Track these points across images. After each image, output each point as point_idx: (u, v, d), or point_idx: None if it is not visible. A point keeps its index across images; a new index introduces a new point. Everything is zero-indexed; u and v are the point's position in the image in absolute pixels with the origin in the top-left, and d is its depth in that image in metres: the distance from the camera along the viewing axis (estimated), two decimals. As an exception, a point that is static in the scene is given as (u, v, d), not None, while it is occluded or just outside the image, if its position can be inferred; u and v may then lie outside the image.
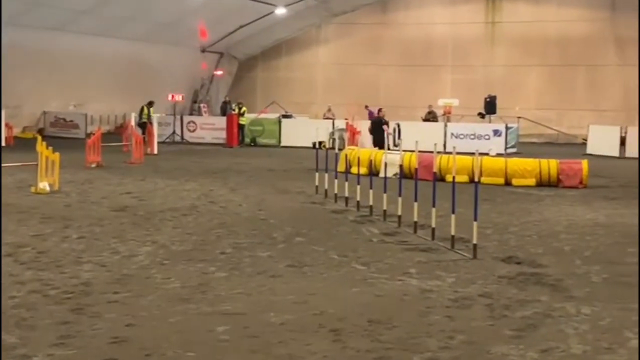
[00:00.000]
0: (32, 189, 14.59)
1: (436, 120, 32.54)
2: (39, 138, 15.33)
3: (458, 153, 11.42)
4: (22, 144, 26.20)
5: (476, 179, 9.85)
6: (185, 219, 11.94)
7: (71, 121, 33.16)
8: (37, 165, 14.63)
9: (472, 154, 12.73)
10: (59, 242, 9.85)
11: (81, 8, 30.87)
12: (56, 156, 15.05)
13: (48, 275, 8.00)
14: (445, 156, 18.45)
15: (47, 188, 14.66)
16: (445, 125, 29.78)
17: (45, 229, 10.74)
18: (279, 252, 9.51)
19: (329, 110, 35.37)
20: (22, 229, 10.71)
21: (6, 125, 27.74)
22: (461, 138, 28.44)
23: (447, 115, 32.50)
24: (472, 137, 28.82)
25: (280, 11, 38.76)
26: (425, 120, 32.81)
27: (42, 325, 6.22)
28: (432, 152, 11.89)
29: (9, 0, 27.93)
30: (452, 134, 28.96)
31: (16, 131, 29.16)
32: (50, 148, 14.97)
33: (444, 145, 26.95)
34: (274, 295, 7.42)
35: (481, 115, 32.99)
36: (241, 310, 6.82)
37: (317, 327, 6.33)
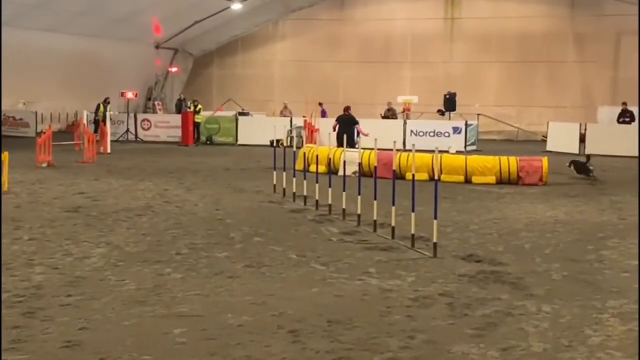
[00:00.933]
0: (-20, 190, 14.34)
1: (395, 118, 32.75)
2: (-14, 137, 15.06)
3: (417, 151, 11.52)
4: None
5: (436, 177, 9.94)
6: (140, 220, 11.84)
7: (21, 119, 32.62)
8: (-16, 165, 14.37)
9: (432, 151, 12.84)
10: (9, 244, 9.69)
11: (32, 2, 30.37)
12: (5, 155, 14.79)
13: (-3, 278, 7.87)
14: (404, 154, 18.58)
15: (-5, 188, 14.40)
16: (405, 123, 29.98)
17: (-7, 230, 10.56)
18: (237, 253, 9.49)
19: (285, 107, 35.30)
20: (-31, 231, 10.51)
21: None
22: (421, 135, 28.68)
23: (407, 113, 32.71)
24: (431, 134, 29.07)
25: (237, 6, 38.61)
26: (385, 117, 32.98)
27: (-9, 331, 6.13)
28: (391, 149, 11.97)
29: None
30: (412, 131, 29.15)
31: None
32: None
33: (404, 143, 27.17)
34: (232, 296, 7.41)
35: (441, 112, 33.29)
36: (198, 312, 6.80)
37: (276, 328, 6.33)
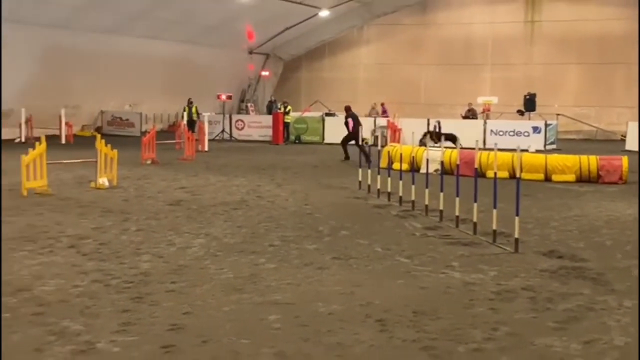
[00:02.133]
0: (92, 185, 14.87)
1: (476, 118, 32.24)
2: (98, 136, 15.60)
3: (499, 150, 11.30)
4: (81, 142, 26.70)
5: (517, 175, 9.74)
6: (236, 213, 12.05)
7: (127, 120, 33.64)
8: (96, 162, 14.89)
9: (513, 150, 12.59)
10: (119, 234, 10.03)
11: (134, 12, 31.28)
12: (114, 153, 15.31)
13: (109, 265, 8.16)
14: (485, 153, 18.27)
15: (106, 183, 14.92)
16: (485, 123, 29.46)
17: (105, 222, 10.94)
18: (325, 245, 9.54)
19: (373, 108, 35.23)
20: (83, 222, 10.93)
21: (66, 124, 28.29)
22: (500, 135, 28.11)
23: (487, 113, 32.17)
24: (511, 134, 28.46)
25: (324, 13, 38.77)
26: (465, 117, 32.52)
27: (104, 313, 6.35)
28: (472, 148, 11.80)
29: (68, 5, 28.46)
30: (492, 130, 28.62)
31: (75, 129, 29.65)
32: (109, 145, 15.21)
33: (484, 142, 26.73)
34: (322, 286, 7.45)
35: (520, 113, 32.59)
36: (291, 300, 6.87)
37: (364, 317, 6.34)
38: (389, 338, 5.81)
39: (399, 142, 25.43)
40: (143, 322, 6.11)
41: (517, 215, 9.21)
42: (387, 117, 32.07)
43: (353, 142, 22.37)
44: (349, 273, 8.04)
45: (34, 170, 13.71)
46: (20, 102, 28.10)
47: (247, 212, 12.23)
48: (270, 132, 30.95)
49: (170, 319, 6.21)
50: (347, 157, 22.32)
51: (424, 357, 5.39)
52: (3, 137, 26.91)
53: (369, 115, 33.50)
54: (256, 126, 32.54)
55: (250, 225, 10.90)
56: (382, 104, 35.51)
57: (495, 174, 10.36)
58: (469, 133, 23.77)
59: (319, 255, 8.90)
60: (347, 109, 23.39)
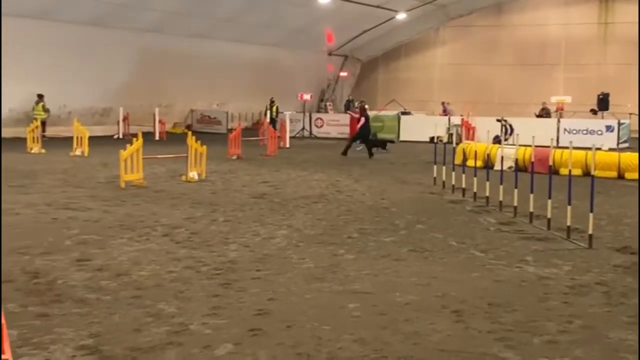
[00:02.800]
0: (183, 178, 15.21)
1: (549, 117, 31.42)
2: (189, 133, 15.94)
3: (573, 148, 10.96)
4: (173, 139, 27.35)
5: (591, 172, 9.44)
6: (316, 206, 12.11)
7: (214, 118, 34.26)
8: (187, 157, 15.22)
9: (587, 148, 12.22)
10: (208, 224, 10.23)
11: (223, 17, 31.83)
12: (204, 149, 15.61)
13: (199, 253, 8.33)
14: (559, 150, 17.79)
15: (196, 177, 15.24)
16: (558, 122, 28.68)
17: (195, 212, 11.17)
18: (401, 238, 9.49)
19: (444, 106, 34.58)
20: (175, 212, 11.19)
21: (160, 121, 29.03)
22: (574, 133, 27.31)
23: (560, 112, 31.32)
24: (584, 132, 27.63)
25: (401, 16, 38.51)
26: (539, 116, 31.74)
27: (196, 297, 6.49)
28: (547, 146, 11.50)
29: (161, 11, 29.20)
30: (565, 129, 27.86)
31: (168, 127, 30.40)
32: (198, 142, 15.53)
33: (557, 141, 26.01)
34: (398, 277, 7.42)
35: (593, 112, 31.60)
36: (369, 290, 6.86)
37: (440, 308, 6.28)
38: (464, 328, 5.74)
39: (473, 139, 25.02)
40: (231, 307, 6.22)
41: (591, 211, 8.95)
42: (446, 115, 31.63)
43: (359, 140, 22.79)
44: (425, 265, 7.97)
45: (131, 164, 14.13)
46: (118, 101, 29.04)
47: (326, 205, 12.28)
48: (347, 130, 30.92)
49: (256, 304, 6.30)
50: (345, 153, 22.34)
51: (499, 348, 5.30)
52: (103, 134, 27.87)
53: (442, 114, 32.97)
54: (334, 124, 32.62)
55: (329, 218, 10.93)
56: (443, 103, 34.88)
57: (569, 171, 10.08)
58: (542, 131, 23.17)
59: (396, 248, 8.85)
60: (362, 109, 23.39)
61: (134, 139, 14.49)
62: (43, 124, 24.77)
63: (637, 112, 33.07)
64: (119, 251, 8.36)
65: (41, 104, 26.48)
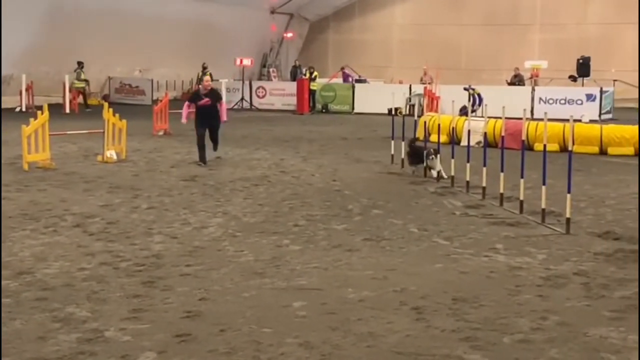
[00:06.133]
0: (99, 158, 14.99)
1: (523, 84, 31.90)
2: (105, 105, 15.68)
3: (548, 120, 11.16)
4: (86, 112, 26.86)
5: (569, 148, 9.62)
6: (257, 190, 12.08)
7: (137, 87, 33.78)
8: (103, 133, 14.98)
9: (564, 120, 12.45)
10: (128, 212, 10.11)
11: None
12: (123, 124, 15.39)
13: (118, 246, 8.23)
14: (533, 123, 18.09)
15: (114, 157, 15.02)
16: (533, 90, 29.15)
17: (113, 198, 11.04)
18: (355, 225, 9.53)
19: (425, 73, 33.83)
20: (90, 199, 11.03)
21: (70, 91, 28.46)
22: (550, 103, 27.82)
23: (535, 79, 31.80)
24: (562, 102, 28.16)
25: (354, -33, 38.49)
26: (511, 84, 32.18)
27: (113, 299, 6.42)
28: (519, 118, 11.67)
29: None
30: (541, 98, 28.33)
31: (80, 98, 29.87)
32: (117, 115, 15.29)
33: (532, 111, 26.48)
34: (351, 270, 7.46)
35: (573, 79, 32.19)
36: (317, 286, 6.88)
37: (399, 305, 6.33)
38: (425, 327, 5.80)
39: (436, 111, 25.26)
40: (155, 309, 6.16)
41: (569, 192, 9.12)
42: (348, 82, 31.73)
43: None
44: (382, 256, 8.02)
45: (35, 142, 13.84)
46: (21, 67, 28.32)
47: (269, 188, 12.25)
48: (294, 100, 30.90)
49: (184, 305, 6.25)
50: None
51: (464, 349, 5.37)
52: (3, 106, 27.21)
53: (421, 81, 32.41)
54: (279, 94, 32.52)
55: (272, 203, 10.91)
56: (342, 68, 34.05)
57: (544, 146, 10.24)
58: (515, 101, 23.53)
59: (349, 237, 8.89)
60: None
61: (39, 112, 14.18)
62: (82, 93, 28.79)
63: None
64: (21, 245, 8.21)
65: (79, 71, 28.41)
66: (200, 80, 30.49)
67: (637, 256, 7.98)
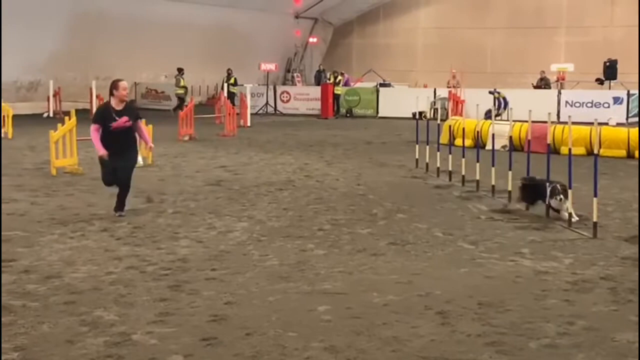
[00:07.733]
0: (125, 163, 15.05)
1: (549, 88, 31.72)
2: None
3: (574, 123, 11.10)
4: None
5: (595, 151, 9.55)
6: (281, 194, 12.11)
7: (162, 92, 34.01)
8: (129, 138, 15.04)
9: (590, 123, 12.35)
10: (155, 217, 10.17)
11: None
12: (149, 128, 15.45)
13: (144, 250, 8.28)
14: (559, 126, 17.97)
15: (141, 162, 15.04)
16: (559, 93, 28.98)
17: (139, 203, 11.10)
18: (380, 229, 9.53)
19: (454, 77, 33.62)
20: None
21: (97, 97, 28.65)
22: (577, 106, 27.66)
23: (561, 82, 31.61)
24: (589, 105, 27.97)
25: (378, -28, 38.52)
26: (537, 87, 32.03)
27: (140, 302, 6.46)
28: (545, 122, 11.61)
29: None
30: (567, 102, 28.21)
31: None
32: (143, 120, 15.36)
33: (558, 115, 26.32)
34: (376, 274, 7.45)
35: (599, 82, 31.95)
36: (342, 290, 6.88)
37: (423, 309, 6.32)
38: (451, 332, 5.78)
39: (461, 115, 25.18)
40: (182, 313, 6.19)
41: (596, 196, 9.05)
42: (350, 86, 31.90)
43: None
44: (406, 260, 8.01)
45: (63, 148, 13.98)
46: (48, 73, 28.64)
47: (293, 192, 12.28)
48: (318, 104, 30.98)
49: (210, 309, 6.28)
50: None
51: (490, 353, 5.35)
52: (31, 112, 27.52)
53: (449, 85, 32.28)
54: (303, 98, 32.60)
55: (297, 208, 10.94)
56: (342, 73, 33.98)
57: (569, 150, 10.18)
58: (541, 104, 23.39)
59: (373, 241, 8.89)
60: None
61: (67, 118, 14.31)
62: (180, 99, 29.06)
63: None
64: (49, 249, 8.27)
65: (179, 77, 29.24)
66: (225, 84, 30.51)
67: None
